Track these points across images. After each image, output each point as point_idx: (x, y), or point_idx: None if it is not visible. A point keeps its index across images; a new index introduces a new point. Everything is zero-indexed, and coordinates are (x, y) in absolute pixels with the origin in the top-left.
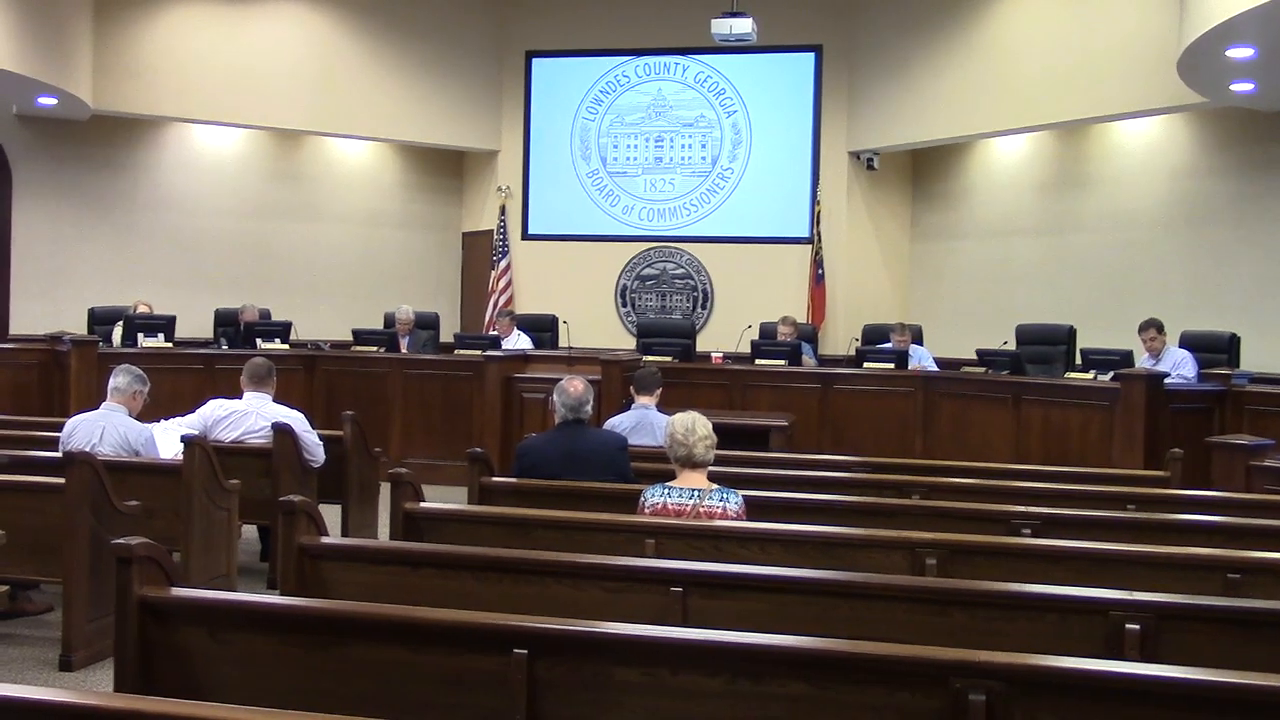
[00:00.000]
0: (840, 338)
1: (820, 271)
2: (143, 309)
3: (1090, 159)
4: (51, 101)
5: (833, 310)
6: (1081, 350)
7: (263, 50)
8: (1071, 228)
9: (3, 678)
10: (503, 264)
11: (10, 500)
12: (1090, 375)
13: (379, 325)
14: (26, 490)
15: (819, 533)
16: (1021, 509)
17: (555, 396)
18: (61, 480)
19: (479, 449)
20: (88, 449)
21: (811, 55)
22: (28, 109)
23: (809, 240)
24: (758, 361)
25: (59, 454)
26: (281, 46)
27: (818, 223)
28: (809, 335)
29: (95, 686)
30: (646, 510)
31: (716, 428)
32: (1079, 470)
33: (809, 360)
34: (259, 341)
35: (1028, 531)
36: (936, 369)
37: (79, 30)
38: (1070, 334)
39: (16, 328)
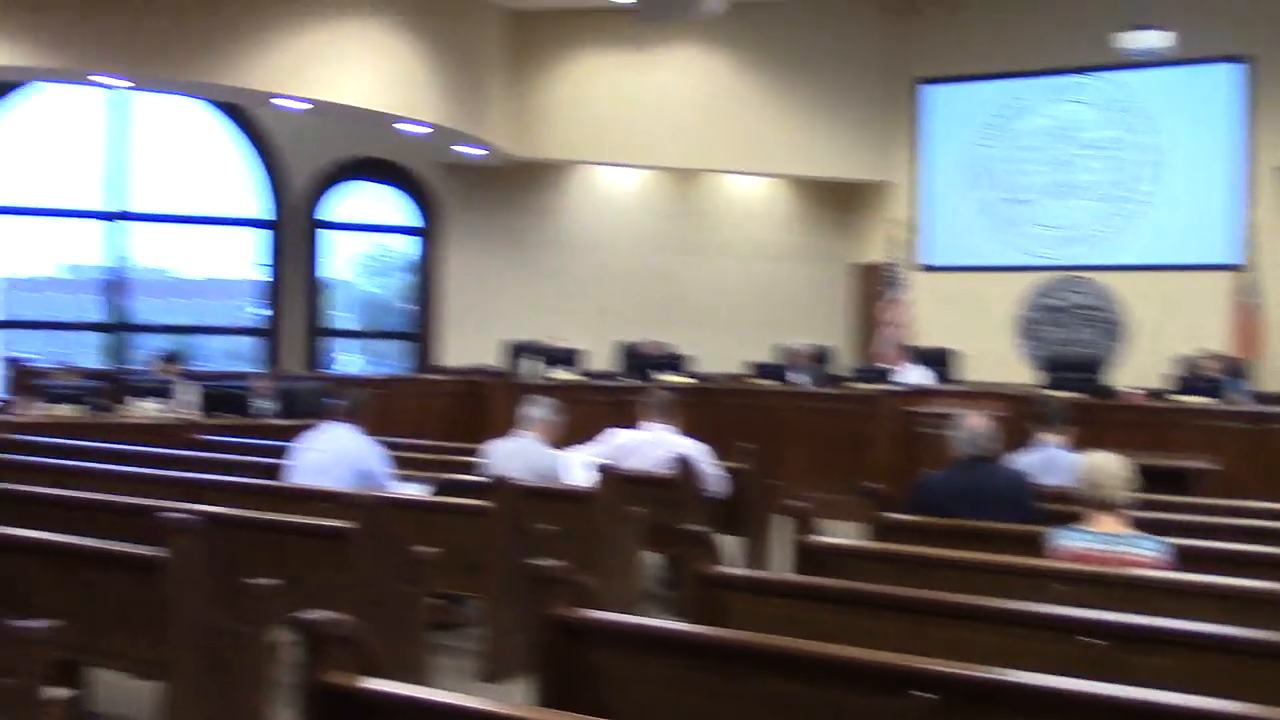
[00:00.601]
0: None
1: (1254, 300)
2: (552, 342)
3: None
4: (476, 151)
5: (1273, 342)
6: None
7: (661, 93)
8: None
9: (437, 685)
10: (895, 296)
11: (444, 520)
12: None
13: (771, 358)
14: (454, 511)
15: (1266, 590)
16: None
17: (955, 432)
18: (486, 504)
19: (874, 484)
20: (507, 475)
21: (1236, 66)
22: (455, 159)
23: (1235, 266)
24: (1177, 398)
25: (479, 478)
26: (679, 89)
27: (1249, 247)
28: (1237, 370)
29: (515, 699)
30: (1055, 554)
31: (1132, 469)
32: None
33: (1237, 397)
34: (659, 374)
35: None
36: None
37: (497, 84)
38: None
39: (445, 359)
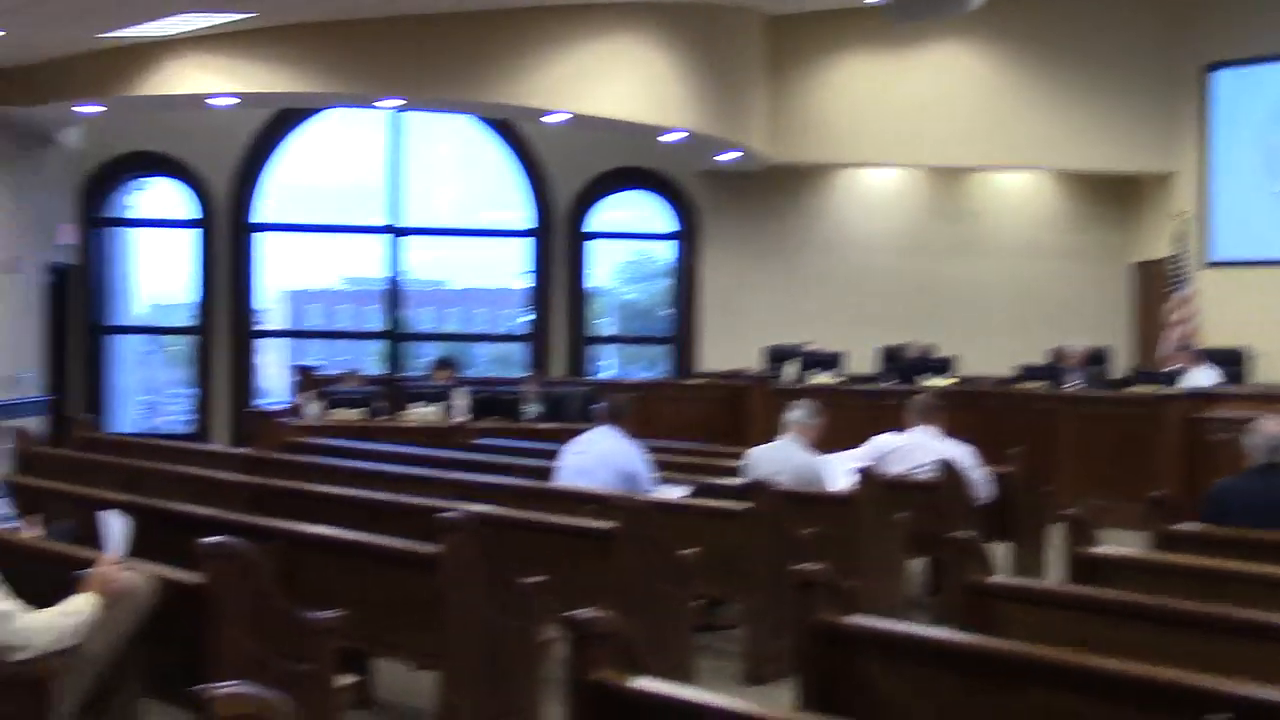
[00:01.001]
0: None
1: None
2: (810, 346)
3: None
4: (733, 156)
5: None
6: None
7: (923, 91)
8: None
9: (700, 686)
10: (1181, 294)
11: (702, 522)
12: None
13: (1041, 360)
14: (716, 514)
15: None
16: None
17: (1249, 438)
18: (746, 506)
19: (1159, 492)
20: (768, 478)
21: None
22: (711, 165)
23: None
24: None
25: (740, 481)
26: (940, 85)
27: None
28: None
29: (779, 702)
30: None
31: None
32: None
33: None
34: (922, 377)
35: None
36: None
37: (756, 91)
38: None
39: (704, 363)
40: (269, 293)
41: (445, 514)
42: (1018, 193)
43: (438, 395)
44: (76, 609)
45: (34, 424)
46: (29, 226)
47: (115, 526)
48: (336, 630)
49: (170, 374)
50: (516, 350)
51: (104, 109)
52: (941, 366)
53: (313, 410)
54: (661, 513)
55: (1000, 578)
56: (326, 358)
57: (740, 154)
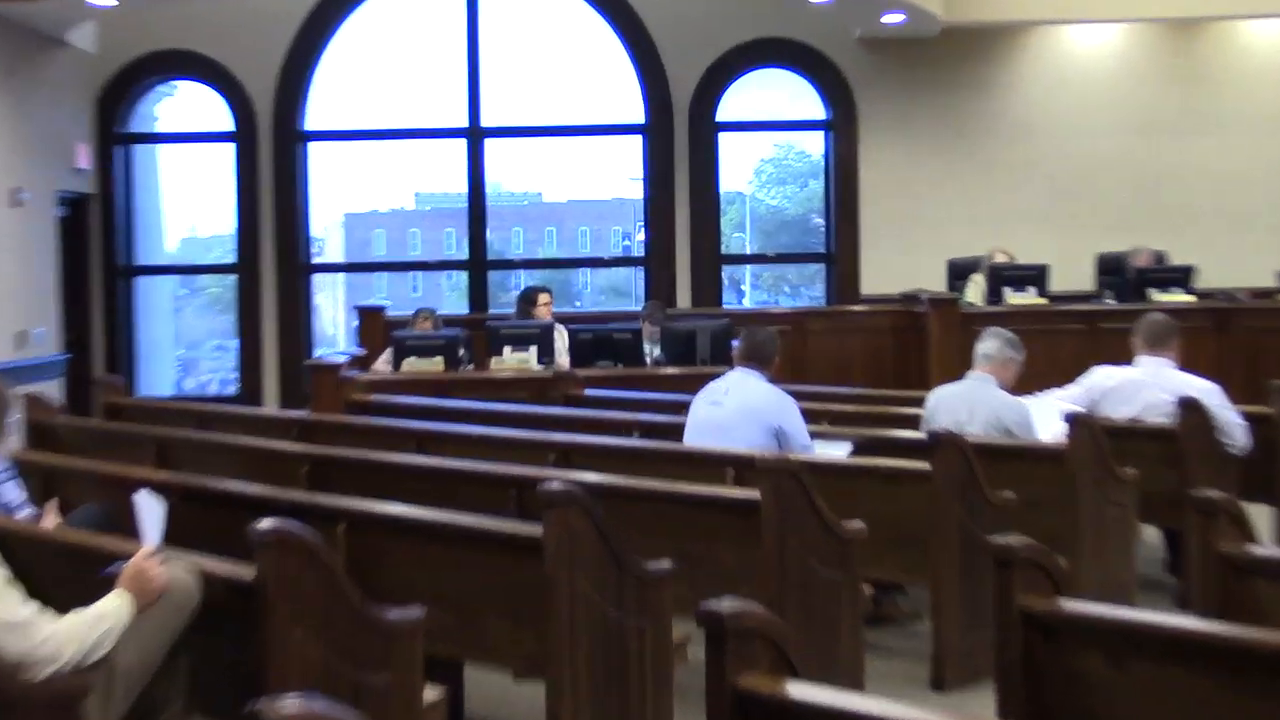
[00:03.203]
0: None
1: None
2: (1001, 258)
3: None
4: (897, 19)
5: None
6: None
7: None
8: None
9: (873, 692)
10: None
11: (869, 487)
12: None
13: None
14: (886, 476)
15: None
16: None
17: None
18: (925, 466)
19: None
20: (954, 428)
21: None
22: (870, 31)
23: None
24: None
25: (920, 434)
26: None
27: None
28: None
29: (973, 710)
30: None
31: None
32: None
33: None
34: (1153, 293)
35: None
36: None
37: None
38: None
39: (867, 286)
40: (325, 218)
41: (548, 486)
42: (1273, 48)
43: (535, 337)
44: (108, 613)
45: (50, 389)
46: (35, 148)
47: (150, 511)
48: (419, 632)
49: (209, 324)
50: (630, 277)
51: (119, 0)
52: (1178, 278)
53: (382, 361)
54: (819, 477)
55: (1262, 548)
56: (396, 295)
57: (905, 16)
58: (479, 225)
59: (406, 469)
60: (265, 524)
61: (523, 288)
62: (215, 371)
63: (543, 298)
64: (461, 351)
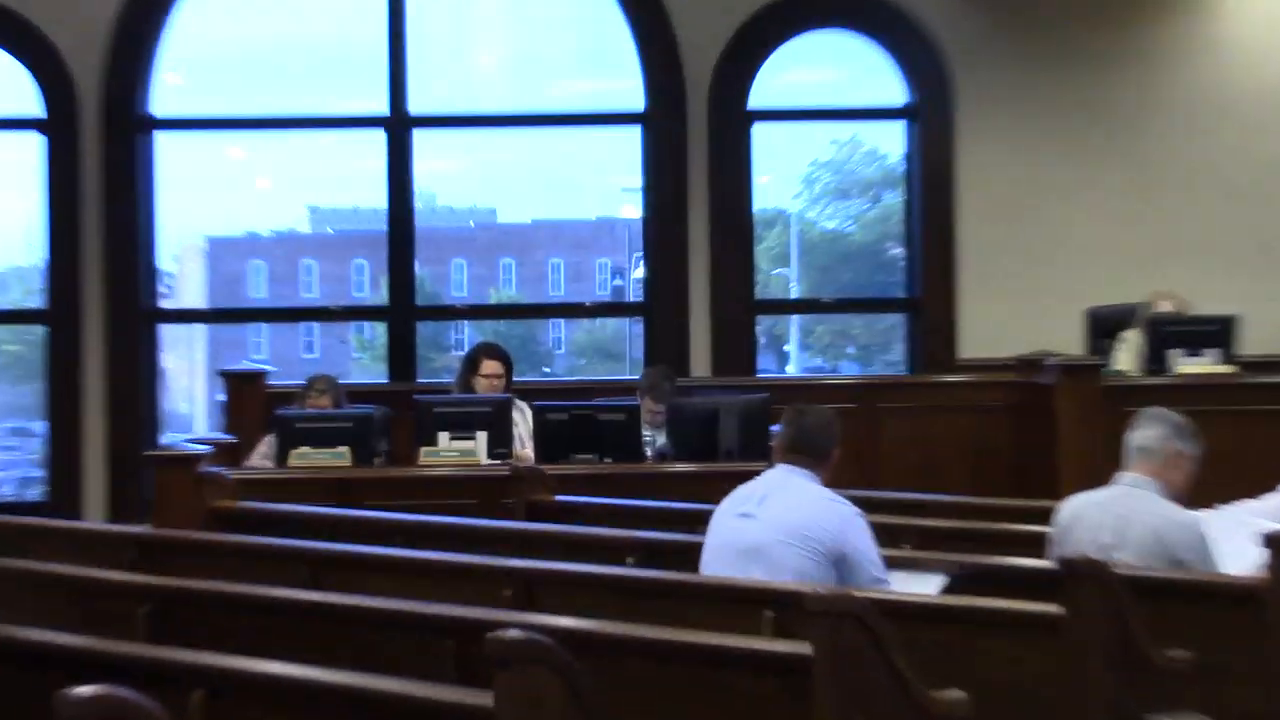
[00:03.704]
0: None
1: None
2: (1166, 306)
3: None
4: None
5: None
6: None
7: None
8: None
9: None
10: None
11: (973, 640)
12: None
13: None
14: (999, 624)
15: None
16: None
17: None
18: (1056, 609)
19: None
20: (1098, 554)
21: None
22: None
23: None
24: None
25: (1048, 562)
26: None
27: None
28: None
29: None
30: None
31: None
32: None
33: None
34: None
35: None
36: None
37: None
38: None
39: (968, 347)
40: (179, 242)
41: (502, 635)
42: None
43: (489, 418)
44: None
45: None
46: None
47: None
48: None
49: (3, 397)
50: (623, 332)
51: None
52: None
53: (259, 454)
54: (899, 624)
55: None
56: (282, 356)
57: None
58: (404, 255)
59: (294, 609)
60: (82, 692)
61: (468, 348)
62: (12, 467)
63: (490, 366)
64: (377, 440)
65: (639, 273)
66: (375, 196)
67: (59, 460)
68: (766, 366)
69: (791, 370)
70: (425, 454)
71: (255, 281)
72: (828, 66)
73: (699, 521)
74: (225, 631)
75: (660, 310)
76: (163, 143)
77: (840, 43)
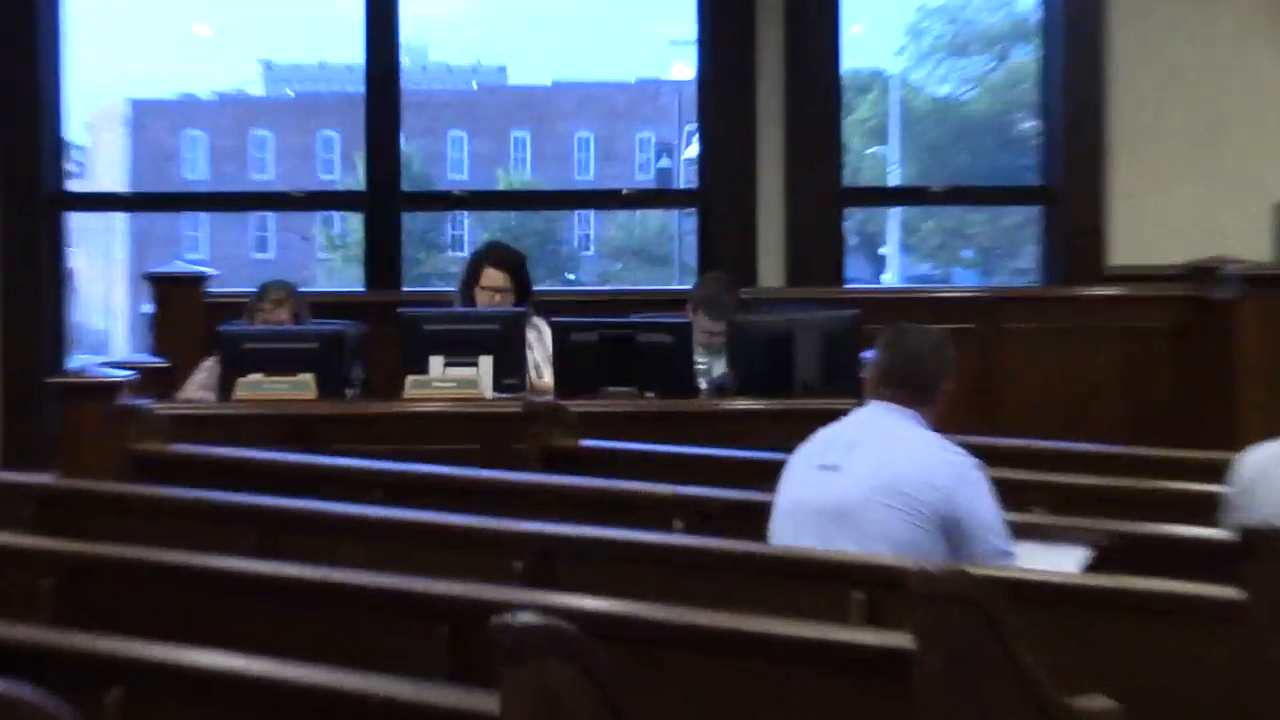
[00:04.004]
0: None
1: None
2: None
3: None
4: None
5: None
6: None
7: None
8: None
9: None
10: None
11: (1124, 629)
12: None
13: None
14: (1158, 611)
15: None
16: None
17: None
18: (1235, 592)
19: None
20: None
21: None
22: None
23: None
24: None
25: (1224, 531)
26: None
27: None
28: None
29: None
30: None
31: None
32: None
33: None
34: None
35: None
36: None
37: None
38: None
39: (1121, 252)
40: (93, 106)
41: (512, 619)
42: None
43: (495, 338)
44: None
45: None
46: None
47: None
48: None
49: None
50: (670, 228)
51: None
52: None
53: (197, 383)
54: (1028, 609)
55: None
56: (227, 257)
57: None
58: (386, 126)
59: (239, 583)
60: None
61: (470, 248)
62: None
63: (494, 276)
64: (349, 366)
65: (691, 151)
66: (349, 49)
67: None
68: (857, 274)
69: (890, 279)
70: (412, 385)
71: (192, 158)
72: None
73: (767, 475)
74: (150, 612)
75: (718, 200)
76: None
77: None
